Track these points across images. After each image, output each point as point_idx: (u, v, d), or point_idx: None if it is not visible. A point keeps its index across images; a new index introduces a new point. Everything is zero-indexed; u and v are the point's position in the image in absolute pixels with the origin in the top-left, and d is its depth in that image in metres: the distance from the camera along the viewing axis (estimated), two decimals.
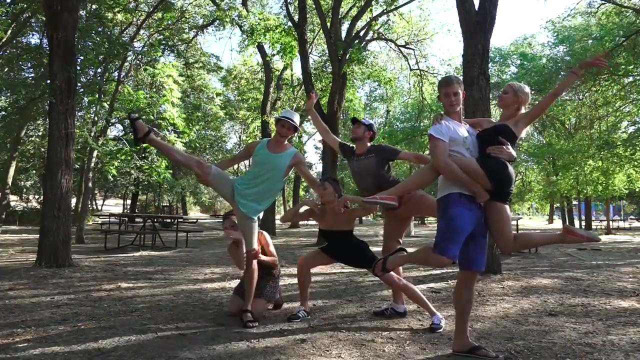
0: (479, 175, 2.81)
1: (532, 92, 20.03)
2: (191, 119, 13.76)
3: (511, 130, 2.97)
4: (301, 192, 39.40)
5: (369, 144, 4.06)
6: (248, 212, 3.76)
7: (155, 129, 3.68)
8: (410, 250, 3.41)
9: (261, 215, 3.98)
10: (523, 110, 3.11)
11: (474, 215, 2.86)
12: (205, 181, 3.74)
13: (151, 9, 13.81)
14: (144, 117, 12.89)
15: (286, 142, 3.97)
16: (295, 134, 4.12)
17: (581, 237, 2.83)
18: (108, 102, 12.67)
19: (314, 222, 24.79)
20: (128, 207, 31.39)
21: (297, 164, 3.95)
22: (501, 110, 3.15)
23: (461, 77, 7.46)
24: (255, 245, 3.86)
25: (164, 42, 14.24)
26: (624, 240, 15.12)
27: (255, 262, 3.88)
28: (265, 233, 4.25)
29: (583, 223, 25.00)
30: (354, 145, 4.09)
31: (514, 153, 2.93)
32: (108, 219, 16.15)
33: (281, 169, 3.86)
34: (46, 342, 3.22)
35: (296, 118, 3.96)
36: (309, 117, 4.85)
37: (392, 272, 3.89)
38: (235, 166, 33.95)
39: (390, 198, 2.97)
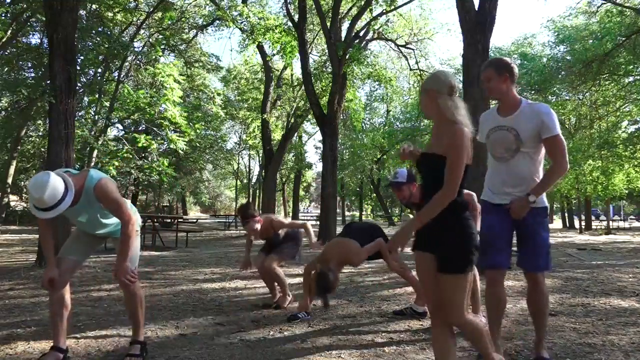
0: None
1: (532, 92, 20.02)
2: (191, 118, 13.74)
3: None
4: (301, 192, 39.42)
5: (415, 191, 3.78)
6: (112, 233, 3.02)
7: None
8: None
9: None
10: None
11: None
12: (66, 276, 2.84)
13: (151, 9, 13.80)
14: (145, 116, 12.86)
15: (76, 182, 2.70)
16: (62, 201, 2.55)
17: None
18: (108, 102, 12.66)
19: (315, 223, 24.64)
20: None
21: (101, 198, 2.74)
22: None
23: (461, 77, 7.47)
24: (136, 264, 2.93)
25: (164, 42, 14.23)
26: (624, 240, 15.13)
27: (137, 284, 2.87)
28: (272, 216, 4.65)
29: (583, 223, 24.99)
30: None
31: None
32: None
33: (91, 211, 2.82)
34: (46, 342, 3.22)
35: (49, 193, 2.47)
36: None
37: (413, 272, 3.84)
38: (235, 166, 33.86)
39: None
